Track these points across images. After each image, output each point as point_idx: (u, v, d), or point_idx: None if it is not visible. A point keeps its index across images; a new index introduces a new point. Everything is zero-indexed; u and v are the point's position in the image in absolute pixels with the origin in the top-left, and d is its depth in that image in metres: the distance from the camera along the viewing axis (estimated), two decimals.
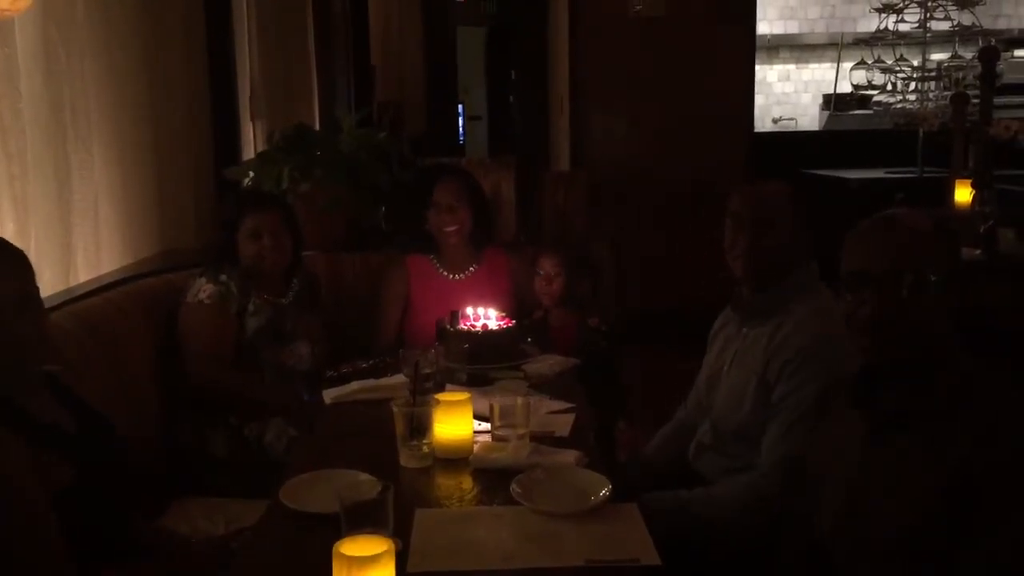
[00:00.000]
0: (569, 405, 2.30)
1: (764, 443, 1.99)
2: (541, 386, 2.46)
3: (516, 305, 2.96)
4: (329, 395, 2.42)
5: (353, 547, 1.29)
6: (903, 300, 1.44)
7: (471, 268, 3.12)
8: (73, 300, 2.46)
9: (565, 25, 5.74)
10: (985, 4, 5.31)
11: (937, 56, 5.59)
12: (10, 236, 2.27)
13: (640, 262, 5.02)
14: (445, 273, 3.11)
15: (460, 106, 10.77)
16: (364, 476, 1.73)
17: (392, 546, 1.31)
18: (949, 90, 5.23)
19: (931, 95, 5.39)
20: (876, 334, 1.48)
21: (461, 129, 10.81)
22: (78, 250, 2.70)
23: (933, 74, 5.41)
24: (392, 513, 1.50)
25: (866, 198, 5.16)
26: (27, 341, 1.65)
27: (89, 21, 2.84)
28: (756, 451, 2.01)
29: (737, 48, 5.60)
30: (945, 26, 5.28)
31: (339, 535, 1.34)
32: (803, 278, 2.07)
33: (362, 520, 1.42)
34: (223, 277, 2.71)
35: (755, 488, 1.97)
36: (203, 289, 2.69)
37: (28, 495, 1.52)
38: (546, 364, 2.61)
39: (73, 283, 2.64)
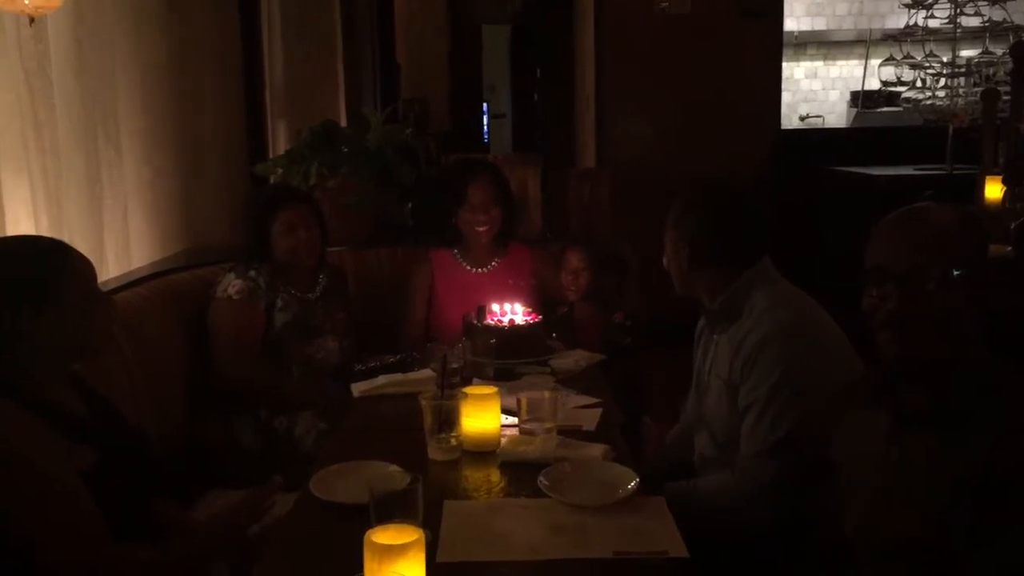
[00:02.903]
0: (595, 400, 2.30)
1: (741, 439, 1.98)
2: (567, 381, 2.46)
3: (537, 300, 2.97)
4: (357, 389, 2.44)
5: (384, 536, 1.30)
6: (926, 296, 1.42)
7: (494, 262, 3.14)
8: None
9: (591, 23, 5.73)
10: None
11: (967, 52, 5.53)
12: (44, 230, 2.30)
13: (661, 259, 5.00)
14: (468, 266, 3.13)
15: (484, 104, 10.78)
16: (393, 468, 1.75)
17: (422, 535, 1.32)
18: (979, 86, 5.18)
19: (961, 91, 5.33)
20: (898, 330, 1.47)
21: (485, 127, 10.82)
22: (108, 246, 2.73)
23: (963, 70, 5.35)
24: (422, 504, 1.51)
25: (894, 195, 5.10)
26: (102, 334, 1.77)
27: (120, 19, 2.87)
28: None
29: (764, 45, 5.57)
30: (975, 22, 5.22)
31: (368, 525, 1.35)
32: (756, 273, 2.05)
33: (392, 511, 1.43)
34: (252, 272, 2.74)
35: (733, 484, 1.97)
36: (232, 284, 2.72)
37: (51, 474, 1.56)
38: (572, 359, 2.62)
39: (104, 278, 2.67)
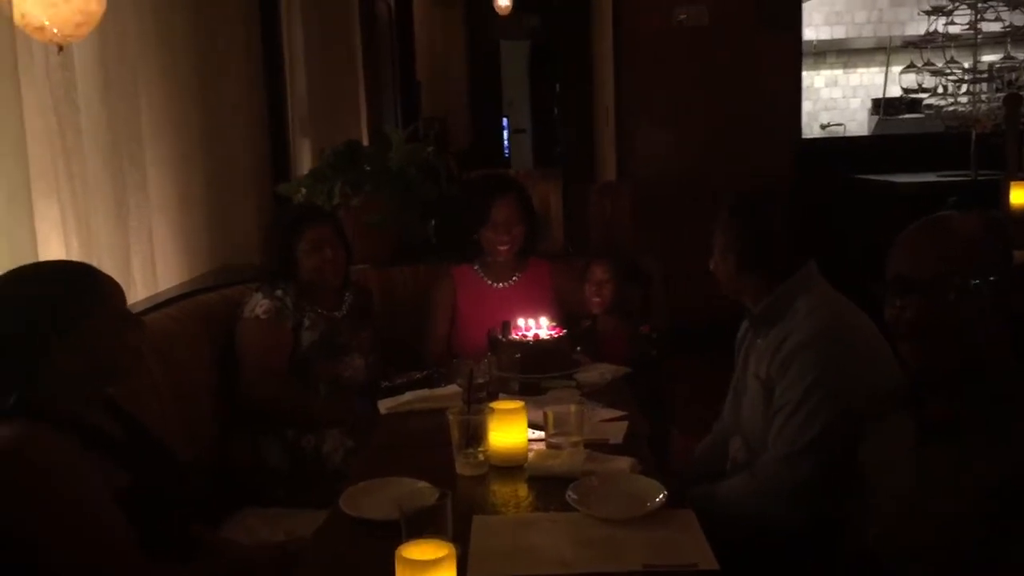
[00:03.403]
0: (621, 413, 2.30)
1: (770, 440, 1.98)
2: (593, 394, 2.46)
3: (558, 314, 2.97)
4: (384, 405, 2.45)
5: (415, 551, 1.31)
6: (948, 305, 1.41)
7: (515, 277, 3.15)
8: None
9: (609, 36, 5.75)
10: None
11: (989, 57, 5.51)
12: (74, 253, 2.34)
13: (688, 272, 4.99)
14: (489, 281, 3.14)
15: (504, 119, 10.83)
16: (422, 484, 1.75)
17: (453, 550, 1.32)
18: (1002, 91, 5.15)
19: (983, 97, 5.31)
20: (920, 341, 1.46)
21: (506, 142, 10.86)
22: (135, 267, 2.76)
23: (985, 75, 5.33)
24: (451, 519, 1.51)
25: (918, 202, 5.08)
26: (132, 355, 1.78)
27: (144, 44, 2.92)
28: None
29: (783, 55, 5.57)
30: (996, 27, 5.20)
31: (398, 541, 1.36)
32: (802, 277, 2.07)
33: (422, 526, 1.44)
34: (279, 292, 2.76)
35: (753, 486, 1.97)
36: (259, 304, 2.74)
37: (87, 496, 1.58)
38: (597, 372, 2.62)
39: (132, 300, 2.70)
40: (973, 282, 1.41)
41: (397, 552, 1.30)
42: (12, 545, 1.51)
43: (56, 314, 1.64)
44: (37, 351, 1.62)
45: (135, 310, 2.56)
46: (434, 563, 1.28)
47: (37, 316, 1.63)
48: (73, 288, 1.69)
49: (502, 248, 3.06)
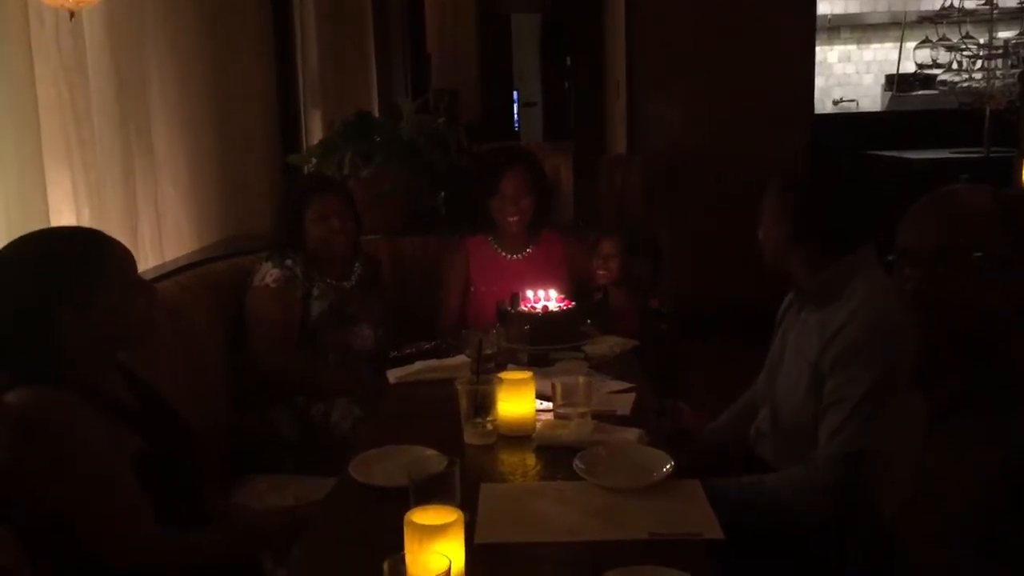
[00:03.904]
0: (630, 385, 2.31)
1: (820, 436, 1.94)
2: (601, 367, 2.47)
3: (571, 287, 2.97)
4: (393, 375, 2.46)
5: (424, 516, 1.32)
6: (948, 278, 1.41)
7: (528, 249, 3.16)
8: None
9: (621, 9, 5.71)
10: None
11: (1004, 33, 5.46)
12: (85, 220, 2.35)
13: (697, 247, 4.98)
14: (503, 253, 3.15)
15: (515, 93, 10.77)
16: (430, 452, 1.77)
17: (462, 516, 1.34)
18: (1017, 67, 5.11)
19: (998, 73, 5.26)
20: (921, 310, 1.46)
21: (516, 116, 10.81)
22: (144, 236, 2.77)
23: (1000, 51, 5.29)
24: (459, 486, 1.53)
25: (931, 179, 5.05)
26: (138, 321, 1.76)
27: (154, 10, 2.91)
28: (811, 442, 1.96)
29: (796, 29, 5.52)
30: (1013, 2, 5.16)
31: (406, 508, 1.37)
32: (860, 259, 1.99)
33: (430, 493, 1.46)
34: (288, 262, 2.77)
35: (806, 481, 1.92)
36: (269, 274, 2.75)
37: (104, 457, 1.60)
38: (606, 345, 2.62)
39: (142, 268, 2.71)
40: (975, 255, 1.39)
41: (406, 517, 1.31)
42: (36, 508, 1.53)
43: (65, 280, 1.64)
44: (47, 317, 1.62)
45: (145, 277, 2.58)
46: (443, 528, 1.30)
47: (46, 282, 1.64)
48: (83, 254, 1.69)
49: (511, 220, 3.06)
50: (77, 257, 1.68)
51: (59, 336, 1.63)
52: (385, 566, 1.20)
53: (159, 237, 2.90)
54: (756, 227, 2.13)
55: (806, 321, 2.06)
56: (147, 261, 2.78)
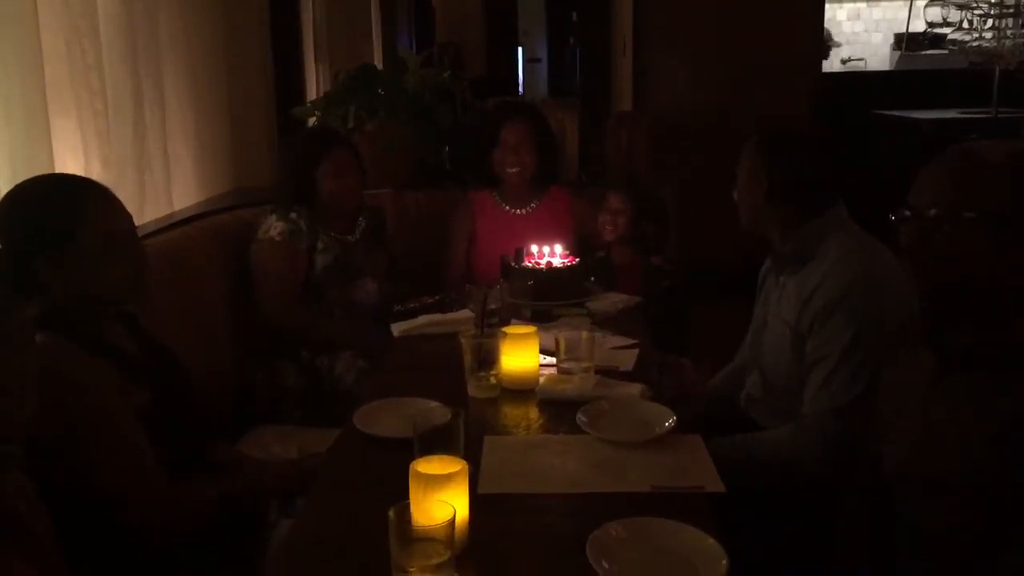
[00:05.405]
0: (632, 341, 2.32)
1: (805, 394, 1.96)
2: (604, 323, 2.48)
3: (577, 244, 2.97)
4: (397, 328, 2.47)
5: (429, 466, 1.33)
6: (940, 233, 1.41)
7: (533, 204, 3.15)
8: (152, 234, 2.53)
9: None
10: None
11: None
12: (96, 173, 2.34)
13: (702, 205, 4.96)
14: (507, 207, 3.15)
15: (519, 48, 10.67)
16: (434, 404, 1.78)
17: (465, 466, 1.35)
18: None
19: (1008, 32, 5.20)
20: (914, 262, 1.46)
21: (520, 72, 10.73)
22: (151, 186, 2.76)
23: (1011, 10, 5.22)
24: (463, 438, 1.54)
25: (939, 139, 5.03)
26: (115, 284, 1.69)
27: None
28: (803, 403, 1.98)
29: None
30: None
31: (410, 458, 1.38)
32: (830, 220, 2.02)
33: (434, 444, 1.47)
34: (293, 215, 2.76)
35: (801, 436, 1.95)
36: (274, 227, 2.75)
37: (112, 408, 1.61)
38: (609, 301, 2.63)
39: (147, 218, 2.71)
40: (966, 215, 1.39)
41: (411, 466, 1.33)
42: (50, 459, 1.53)
43: (41, 232, 1.62)
44: (32, 272, 1.61)
45: (151, 228, 2.58)
46: (447, 477, 1.31)
47: (26, 238, 1.62)
48: (59, 207, 1.64)
49: (511, 171, 3.05)
50: (52, 209, 1.64)
51: (47, 290, 1.62)
52: (391, 513, 1.21)
53: (168, 187, 2.90)
54: (732, 188, 2.14)
55: (784, 285, 2.09)
56: (156, 210, 2.78)
